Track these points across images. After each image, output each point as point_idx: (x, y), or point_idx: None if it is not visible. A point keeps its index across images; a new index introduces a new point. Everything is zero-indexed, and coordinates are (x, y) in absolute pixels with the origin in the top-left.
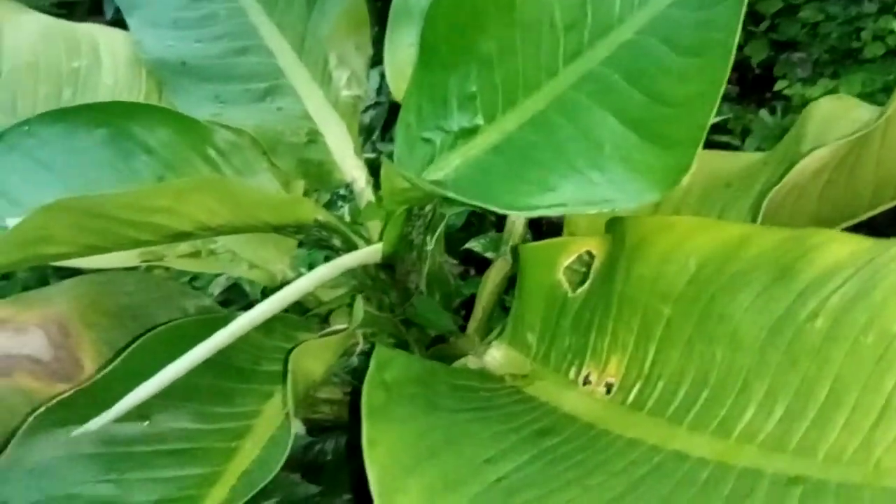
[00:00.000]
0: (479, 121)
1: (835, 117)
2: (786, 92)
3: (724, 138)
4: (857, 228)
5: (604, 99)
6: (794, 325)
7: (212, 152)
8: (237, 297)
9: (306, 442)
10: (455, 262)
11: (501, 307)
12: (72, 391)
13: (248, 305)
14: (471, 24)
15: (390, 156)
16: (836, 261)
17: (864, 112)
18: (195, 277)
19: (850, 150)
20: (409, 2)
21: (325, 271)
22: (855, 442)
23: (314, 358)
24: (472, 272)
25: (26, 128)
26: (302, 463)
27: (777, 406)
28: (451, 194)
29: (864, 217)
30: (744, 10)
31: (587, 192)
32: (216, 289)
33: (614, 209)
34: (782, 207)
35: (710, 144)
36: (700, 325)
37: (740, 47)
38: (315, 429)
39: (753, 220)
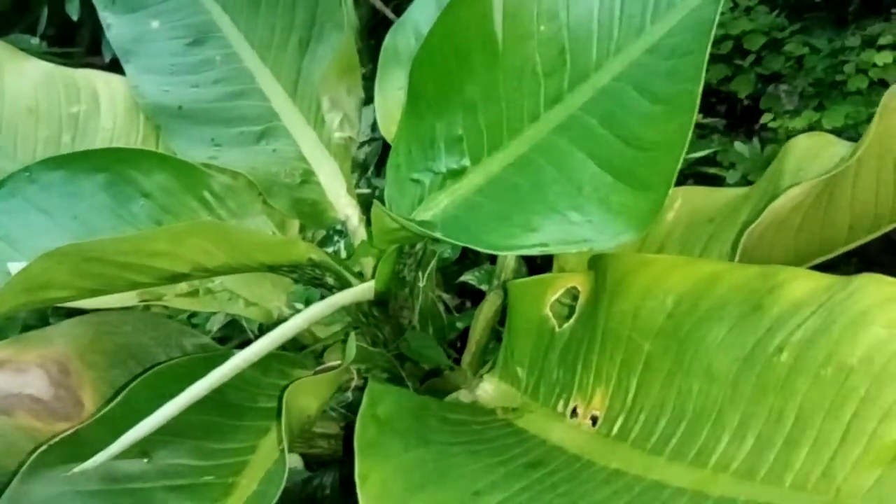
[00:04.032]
0: (466, 162)
1: (813, 154)
2: (771, 124)
3: (713, 170)
4: (848, 257)
5: (582, 143)
6: (762, 358)
7: (208, 196)
8: (235, 333)
9: (304, 476)
10: (450, 295)
11: (496, 339)
12: (73, 429)
13: (246, 341)
14: (456, 70)
15: (384, 192)
16: (799, 297)
17: (840, 148)
18: (193, 314)
19: (825, 187)
20: (398, 46)
21: (318, 309)
22: (818, 470)
23: (309, 394)
24: (468, 304)
25: (27, 174)
26: (300, 497)
27: (748, 436)
28: (438, 235)
29: (847, 249)
30: (706, 60)
31: (567, 233)
32: (214, 325)
33: (593, 248)
34: (761, 242)
35: (699, 176)
36: (678, 359)
37: (728, 80)
38: (313, 463)
39: (734, 254)
